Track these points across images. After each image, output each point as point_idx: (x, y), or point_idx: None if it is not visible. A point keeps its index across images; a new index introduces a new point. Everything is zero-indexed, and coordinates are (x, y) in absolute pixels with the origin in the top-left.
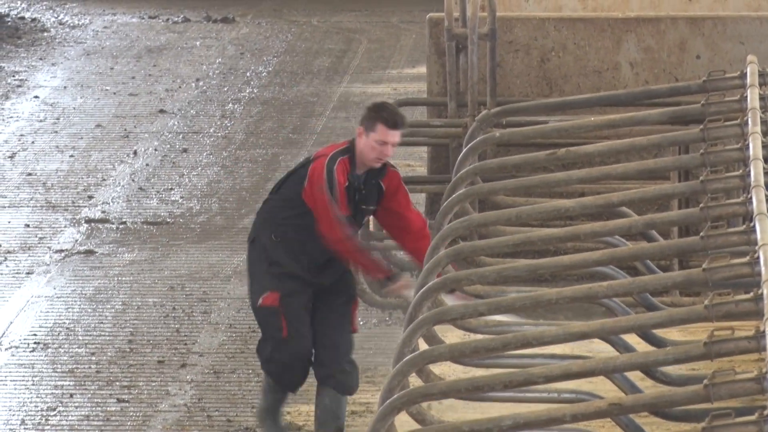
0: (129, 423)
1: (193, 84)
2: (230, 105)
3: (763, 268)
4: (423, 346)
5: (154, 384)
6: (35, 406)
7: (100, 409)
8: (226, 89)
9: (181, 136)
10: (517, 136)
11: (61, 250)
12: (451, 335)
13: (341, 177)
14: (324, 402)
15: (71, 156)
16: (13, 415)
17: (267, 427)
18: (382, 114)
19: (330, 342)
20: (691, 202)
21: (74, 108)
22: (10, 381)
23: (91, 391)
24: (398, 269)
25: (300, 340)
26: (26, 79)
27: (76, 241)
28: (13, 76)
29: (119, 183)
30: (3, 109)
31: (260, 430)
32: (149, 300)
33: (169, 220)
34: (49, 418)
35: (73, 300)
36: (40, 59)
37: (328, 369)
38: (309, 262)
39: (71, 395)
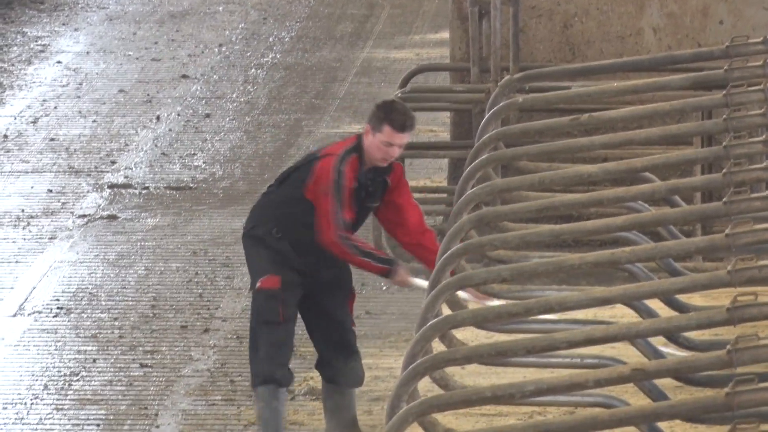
0: (152, 388)
1: (216, 49)
2: (253, 70)
3: None
4: (446, 311)
5: (176, 349)
6: (58, 371)
7: (123, 374)
8: (248, 54)
9: (203, 101)
10: (540, 101)
11: (84, 216)
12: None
13: (350, 178)
14: (334, 399)
15: (94, 121)
16: (36, 380)
17: None
18: (390, 115)
19: (334, 340)
20: (714, 168)
21: (97, 73)
22: (33, 346)
23: (114, 356)
24: (394, 259)
25: (291, 326)
26: (49, 45)
27: (99, 206)
28: (36, 41)
29: (142, 148)
30: (26, 74)
31: None
32: (172, 265)
33: (191, 185)
34: (72, 383)
35: (96, 265)
36: (63, 24)
37: (335, 367)
38: (309, 257)
39: (94, 360)
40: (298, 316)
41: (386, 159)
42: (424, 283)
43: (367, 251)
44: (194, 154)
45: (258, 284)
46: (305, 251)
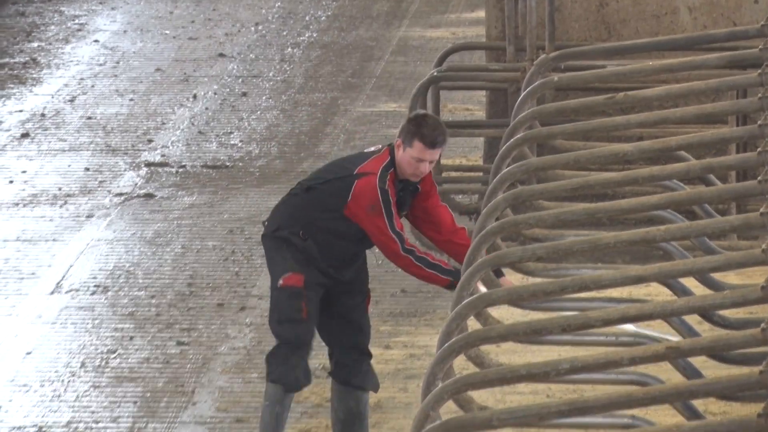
0: (188, 365)
1: (253, 28)
2: (289, 49)
3: None
4: (482, 289)
5: (213, 327)
6: (95, 349)
7: (159, 351)
8: (285, 33)
9: (240, 80)
10: (576, 80)
11: (121, 194)
12: (510, 279)
13: (393, 194)
14: (348, 404)
15: (131, 100)
16: (74, 357)
17: None
18: (421, 130)
19: (350, 342)
20: (749, 146)
21: (134, 52)
22: (71, 324)
23: (151, 334)
24: (457, 270)
25: (312, 326)
26: (86, 23)
27: (136, 184)
28: (73, 20)
29: (179, 127)
30: (63, 52)
31: None
32: (209, 243)
33: (228, 163)
34: (109, 360)
35: (133, 243)
36: (100, 3)
37: (350, 369)
38: (333, 262)
39: (131, 338)
40: None
41: (416, 175)
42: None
43: (434, 263)
44: (231, 132)
45: (280, 282)
46: (329, 255)
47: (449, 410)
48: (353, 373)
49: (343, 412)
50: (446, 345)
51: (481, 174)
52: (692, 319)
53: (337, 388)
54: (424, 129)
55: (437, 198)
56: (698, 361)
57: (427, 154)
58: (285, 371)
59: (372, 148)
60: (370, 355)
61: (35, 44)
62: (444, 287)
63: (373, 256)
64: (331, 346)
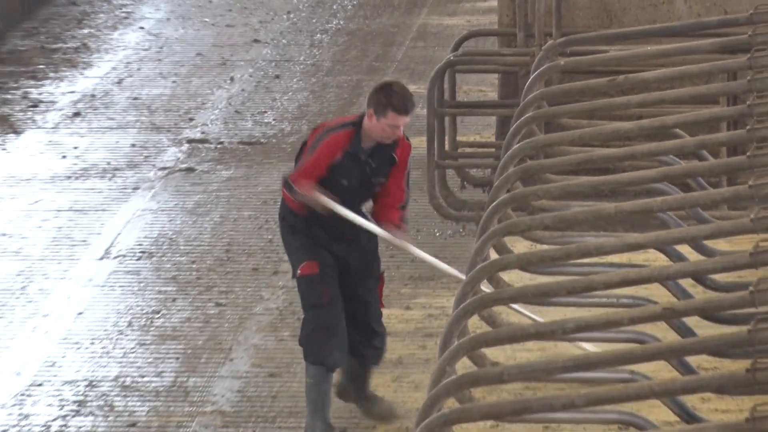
0: (226, 325)
1: (285, 16)
2: (318, 35)
3: None
4: (494, 255)
5: (249, 289)
6: (141, 310)
7: (200, 312)
8: (314, 21)
9: (273, 63)
10: (580, 64)
11: (165, 168)
12: (520, 246)
13: (333, 149)
14: (353, 367)
15: (173, 82)
16: (121, 317)
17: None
18: (392, 101)
19: (363, 322)
20: (739, 125)
21: (176, 38)
22: (119, 287)
23: (192, 296)
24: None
25: (339, 305)
26: (132, 12)
27: (178, 159)
28: (121, 8)
29: (217, 106)
30: (111, 39)
31: None
32: (244, 213)
33: (262, 140)
34: (154, 320)
35: (176, 213)
36: None
37: (361, 347)
38: (338, 234)
39: (174, 300)
40: None
41: (391, 137)
42: (331, 203)
43: (293, 190)
44: (265, 111)
45: (298, 272)
46: (334, 230)
47: (464, 366)
48: (360, 345)
49: (348, 372)
50: (461, 306)
51: (493, 150)
52: (686, 283)
53: (348, 358)
54: (394, 98)
55: (403, 178)
56: (692, 321)
57: (400, 120)
58: (324, 354)
59: None
60: (379, 334)
61: (86, 31)
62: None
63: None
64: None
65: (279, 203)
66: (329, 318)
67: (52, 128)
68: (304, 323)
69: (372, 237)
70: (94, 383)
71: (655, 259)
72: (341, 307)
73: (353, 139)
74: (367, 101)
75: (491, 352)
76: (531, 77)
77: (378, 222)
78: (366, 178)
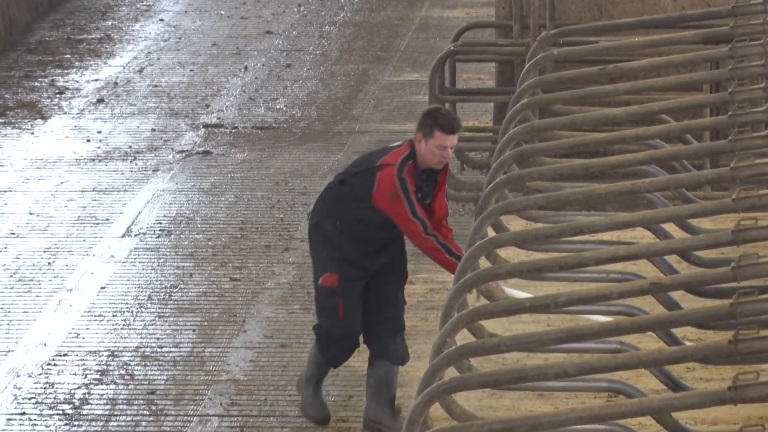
0: (240, 298)
1: (296, 9)
2: (327, 27)
3: None
4: (491, 233)
5: (261, 265)
6: (160, 284)
7: (215, 286)
8: (323, 13)
9: (285, 53)
10: (572, 54)
11: (183, 151)
12: (516, 224)
13: (411, 183)
14: (378, 373)
15: (191, 70)
16: (141, 291)
17: (305, 395)
18: (438, 121)
19: (385, 317)
20: (721, 111)
21: (194, 29)
22: (139, 263)
23: (208, 271)
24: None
25: (352, 322)
26: (153, 5)
27: (195, 143)
28: (141, 2)
29: (232, 93)
30: (133, 30)
31: (300, 395)
32: (257, 193)
33: (274, 125)
34: (172, 294)
35: (193, 193)
36: None
37: (383, 342)
38: (368, 249)
39: (191, 275)
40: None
41: (441, 162)
42: (512, 292)
43: (454, 253)
44: (276, 98)
45: (319, 281)
46: (363, 243)
47: (464, 337)
48: (385, 345)
49: (374, 378)
50: (461, 280)
51: (491, 134)
52: (672, 259)
53: (372, 358)
54: (441, 119)
55: (444, 192)
56: (677, 295)
57: (448, 141)
58: (330, 357)
59: (395, 143)
60: (402, 328)
61: (109, 23)
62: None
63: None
64: (366, 319)
65: (291, 187)
66: (340, 330)
67: (77, 114)
68: (319, 327)
69: (396, 239)
70: (115, 353)
71: (643, 236)
72: (356, 325)
73: (415, 169)
74: (416, 127)
75: (489, 324)
76: (526, 66)
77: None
78: (422, 202)
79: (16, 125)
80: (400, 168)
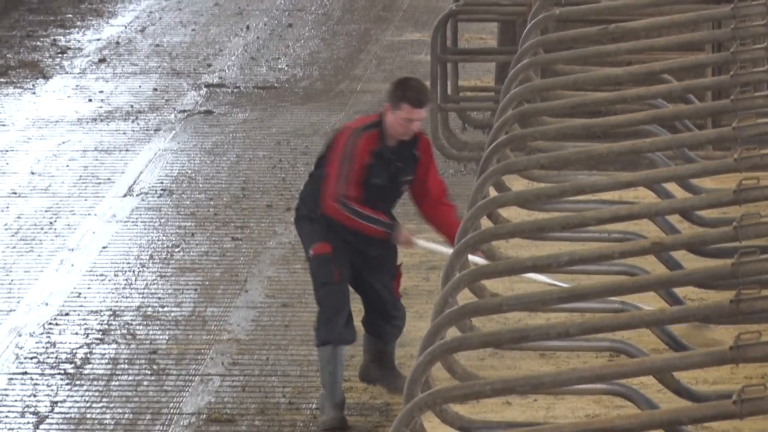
0: (242, 258)
1: None
2: None
3: None
4: (493, 193)
5: (263, 225)
6: (162, 244)
7: (217, 246)
8: None
9: (287, 13)
10: (574, 13)
11: (184, 111)
12: (517, 184)
13: (362, 151)
14: (377, 347)
15: (193, 30)
16: (143, 251)
17: (327, 412)
18: (407, 94)
19: (380, 300)
20: (723, 71)
21: None
22: (141, 222)
23: (210, 231)
24: (393, 223)
25: (347, 287)
26: None
27: (197, 102)
28: None
29: (234, 53)
30: None
31: (322, 416)
32: (259, 153)
33: (276, 84)
34: (174, 253)
35: (195, 153)
36: None
37: (379, 326)
38: (352, 232)
39: (192, 234)
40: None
41: (408, 133)
42: (427, 244)
43: (367, 215)
44: (278, 58)
45: (311, 252)
46: (354, 233)
47: (465, 297)
48: (380, 328)
49: (372, 350)
50: (463, 240)
51: (493, 94)
52: (674, 219)
53: (366, 335)
54: (409, 92)
55: (434, 170)
56: (679, 255)
57: (415, 114)
58: (328, 331)
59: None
60: (396, 317)
61: None
62: (384, 238)
63: None
64: (364, 306)
65: (293, 146)
66: (337, 296)
67: (79, 73)
68: (317, 302)
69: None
70: (117, 313)
71: (645, 196)
72: (347, 290)
73: (379, 139)
74: (386, 97)
75: (491, 284)
76: (528, 26)
77: (439, 227)
78: (393, 176)
79: (18, 85)
80: (357, 132)
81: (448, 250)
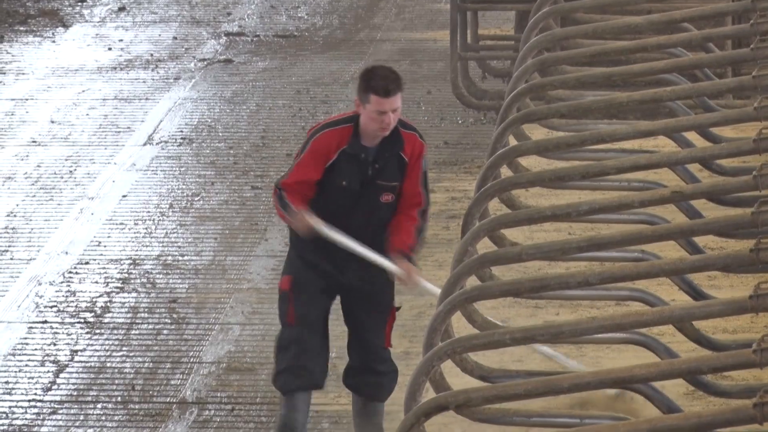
0: (261, 207)
1: None
2: None
3: None
4: (513, 142)
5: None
6: (182, 193)
7: (236, 195)
8: None
9: None
10: None
11: (204, 59)
12: (537, 133)
13: (324, 148)
14: (358, 408)
15: None
16: (163, 200)
17: None
18: (371, 83)
19: (363, 356)
20: (743, 19)
21: None
22: (161, 171)
23: (229, 180)
24: (298, 211)
25: (307, 330)
26: None
27: (217, 51)
28: None
29: (254, 1)
30: None
31: None
32: (279, 102)
33: (296, 33)
34: (194, 202)
35: (214, 102)
36: None
37: (358, 378)
38: (329, 249)
39: (212, 183)
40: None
41: (384, 128)
42: (326, 231)
43: (285, 203)
44: (298, 6)
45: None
46: (325, 250)
47: (485, 246)
48: (359, 381)
49: (356, 416)
50: (482, 189)
51: (512, 42)
52: (694, 167)
53: (352, 394)
54: (373, 81)
55: (416, 179)
56: (699, 204)
57: (386, 104)
58: (276, 377)
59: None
60: (380, 373)
61: None
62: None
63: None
64: (349, 349)
65: (312, 95)
66: (289, 338)
67: (99, 22)
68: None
69: (381, 272)
70: (137, 262)
71: (665, 145)
72: (316, 329)
73: (351, 137)
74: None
75: (510, 233)
76: None
77: (389, 244)
78: (368, 179)
79: (38, 33)
80: (324, 126)
81: (365, 251)
